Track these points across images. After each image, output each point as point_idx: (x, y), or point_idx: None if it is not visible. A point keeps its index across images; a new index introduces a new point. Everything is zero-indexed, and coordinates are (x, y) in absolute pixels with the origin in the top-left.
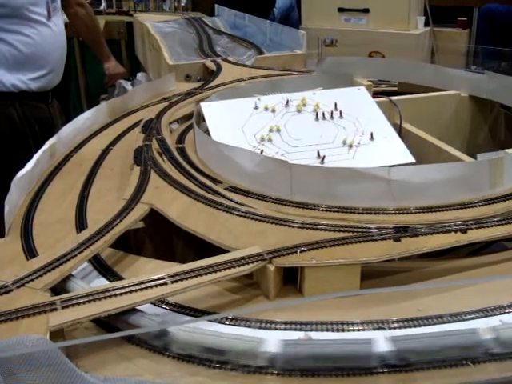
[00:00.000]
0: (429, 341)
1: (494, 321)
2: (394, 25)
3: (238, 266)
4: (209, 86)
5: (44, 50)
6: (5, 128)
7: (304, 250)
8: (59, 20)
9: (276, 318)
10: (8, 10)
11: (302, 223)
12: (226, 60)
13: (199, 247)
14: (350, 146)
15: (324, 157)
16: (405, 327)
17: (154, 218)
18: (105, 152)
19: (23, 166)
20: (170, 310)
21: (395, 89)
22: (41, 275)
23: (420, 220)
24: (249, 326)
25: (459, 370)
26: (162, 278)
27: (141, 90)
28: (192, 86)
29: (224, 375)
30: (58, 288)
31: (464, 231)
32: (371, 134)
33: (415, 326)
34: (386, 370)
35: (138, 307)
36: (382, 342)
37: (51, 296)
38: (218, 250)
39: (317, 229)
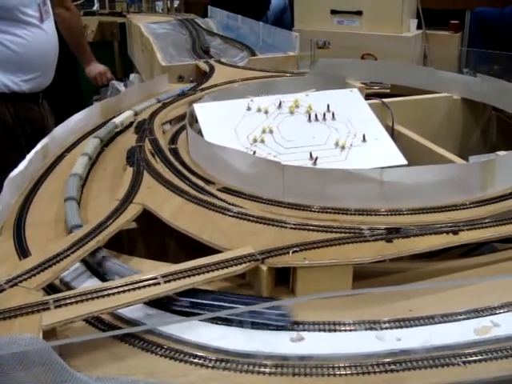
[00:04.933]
0: None
1: (485, 321)
2: (387, 27)
3: (231, 266)
4: (201, 87)
5: (36, 51)
6: None
7: (296, 251)
8: (51, 23)
9: None
10: (0, 11)
11: (295, 224)
12: (218, 61)
13: (192, 248)
14: (343, 148)
15: (316, 158)
16: (396, 327)
17: (147, 218)
18: (98, 152)
19: (15, 167)
20: (162, 309)
21: (388, 91)
22: (34, 275)
23: (412, 221)
24: (241, 327)
25: (450, 369)
26: (155, 278)
27: (134, 91)
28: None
29: (216, 375)
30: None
31: (455, 232)
32: (363, 136)
33: (407, 327)
34: (377, 370)
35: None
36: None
37: (44, 296)
38: (210, 251)
39: (309, 229)
